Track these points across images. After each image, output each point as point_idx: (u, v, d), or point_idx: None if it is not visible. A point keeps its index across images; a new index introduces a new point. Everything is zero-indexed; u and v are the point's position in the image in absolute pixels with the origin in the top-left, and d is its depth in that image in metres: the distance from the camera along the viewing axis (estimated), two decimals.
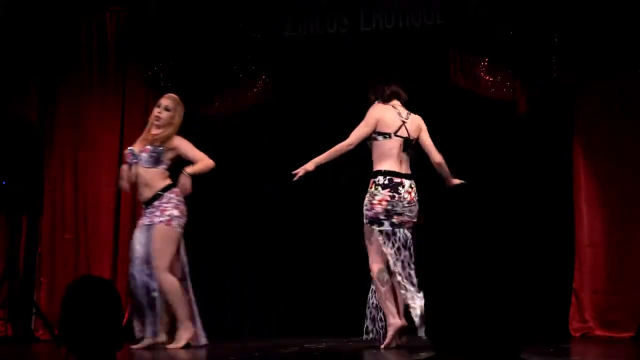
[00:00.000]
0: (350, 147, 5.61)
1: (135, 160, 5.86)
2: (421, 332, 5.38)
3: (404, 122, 5.65)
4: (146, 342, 5.71)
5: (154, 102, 7.09)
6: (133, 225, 7.04)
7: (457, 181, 5.52)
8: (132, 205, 7.08)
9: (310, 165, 5.58)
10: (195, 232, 7.32)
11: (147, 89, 7.12)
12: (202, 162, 5.86)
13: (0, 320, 6.66)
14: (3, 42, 7.13)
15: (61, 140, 7.12)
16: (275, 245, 7.18)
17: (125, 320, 6.26)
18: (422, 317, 5.25)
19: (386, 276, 5.54)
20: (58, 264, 7.01)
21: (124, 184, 5.95)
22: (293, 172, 5.56)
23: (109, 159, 7.11)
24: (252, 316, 7.16)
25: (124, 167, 5.93)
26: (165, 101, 5.95)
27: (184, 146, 5.88)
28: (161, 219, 5.78)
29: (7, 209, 6.78)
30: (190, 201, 7.40)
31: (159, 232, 5.76)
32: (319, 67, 7.15)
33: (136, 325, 5.79)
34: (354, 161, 6.08)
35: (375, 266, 5.57)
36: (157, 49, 7.06)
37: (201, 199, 7.31)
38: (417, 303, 5.36)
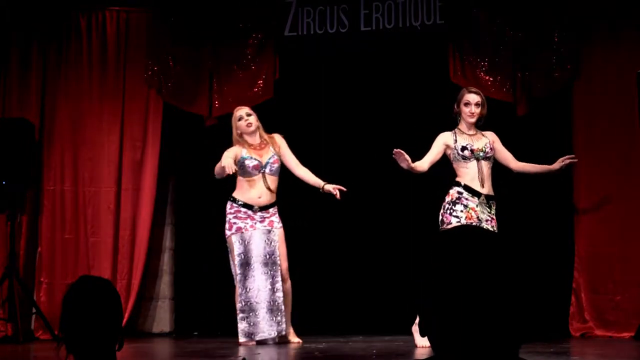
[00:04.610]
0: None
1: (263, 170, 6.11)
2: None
3: None
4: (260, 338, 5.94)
5: (154, 102, 7.12)
6: (133, 225, 7.06)
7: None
8: (132, 205, 7.08)
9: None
10: (194, 233, 7.35)
11: (147, 89, 7.12)
12: None
13: (0, 320, 6.66)
14: (3, 41, 7.13)
15: (61, 139, 7.11)
16: None
17: (125, 320, 6.26)
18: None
19: None
20: (58, 264, 7.01)
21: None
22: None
23: (109, 159, 7.11)
24: None
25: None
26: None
27: None
28: (280, 224, 6.12)
29: (7, 209, 6.78)
30: (192, 202, 7.43)
31: (281, 236, 6.09)
32: (319, 67, 7.15)
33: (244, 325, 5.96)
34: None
35: None
36: (157, 48, 7.06)
37: (201, 199, 7.33)
38: None
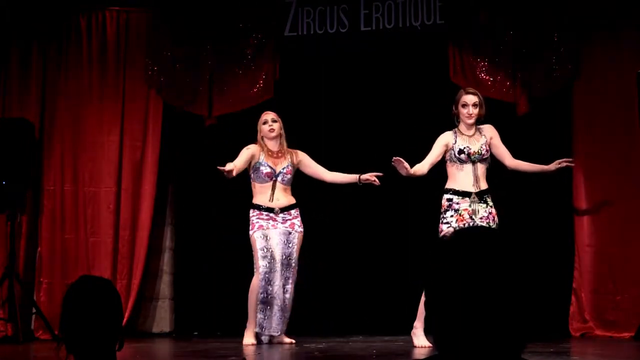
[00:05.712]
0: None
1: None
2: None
3: None
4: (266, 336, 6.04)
5: (154, 102, 7.12)
6: (133, 225, 7.06)
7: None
8: (132, 205, 7.08)
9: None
10: (194, 233, 7.35)
11: (147, 89, 7.12)
12: None
13: (0, 320, 6.66)
14: (3, 41, 7.13)
15: (61, 139, 7.11)
16: None
17: (125, 320, 6.26)
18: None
19: None
20: (58, 264, 7.00)
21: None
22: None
23: (109, 159, 7.11)
24: None
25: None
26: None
27: None
28: (301, 228, 6.14)
29: (7, 209, 6.78)
30: (192, 202, 7.43)
31: (300, 240, 6.13)
32: (319, 67, 7.15)
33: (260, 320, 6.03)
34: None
35: None
36: (157, 48, 7.06)
37: (201, 199, 7.33)
38: None
